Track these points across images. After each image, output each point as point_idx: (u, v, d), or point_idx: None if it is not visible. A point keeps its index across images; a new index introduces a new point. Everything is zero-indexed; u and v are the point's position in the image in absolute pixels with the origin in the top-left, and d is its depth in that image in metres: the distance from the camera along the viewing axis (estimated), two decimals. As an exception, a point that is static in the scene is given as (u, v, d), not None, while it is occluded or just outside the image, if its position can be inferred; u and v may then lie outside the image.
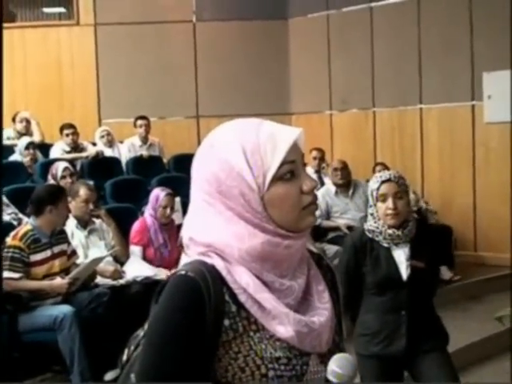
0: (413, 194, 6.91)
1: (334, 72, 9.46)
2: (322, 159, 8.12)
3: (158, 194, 5.65)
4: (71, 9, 9.77)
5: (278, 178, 1.32)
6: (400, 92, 8.91)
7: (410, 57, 8.75)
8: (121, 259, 5.50)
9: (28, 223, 4.81)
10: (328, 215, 6.84)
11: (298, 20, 9.84)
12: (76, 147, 7.79)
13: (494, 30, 7.96)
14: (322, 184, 7.31)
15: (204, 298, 1.29)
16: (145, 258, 5.52)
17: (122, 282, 5.14)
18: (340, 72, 9.38)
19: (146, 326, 1.43)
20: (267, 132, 1.34)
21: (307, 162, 7.52)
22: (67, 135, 7.73)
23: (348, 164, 7.08)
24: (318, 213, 5.88)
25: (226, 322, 1.31)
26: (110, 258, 5.35)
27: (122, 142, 8.57)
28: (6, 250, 4.51)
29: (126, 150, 8.39)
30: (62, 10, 10.00)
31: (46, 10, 9.99)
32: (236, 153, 1.33)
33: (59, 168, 6.36)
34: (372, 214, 3.28)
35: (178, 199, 5.97)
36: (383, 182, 3.22)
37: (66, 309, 4.50)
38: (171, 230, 5.71)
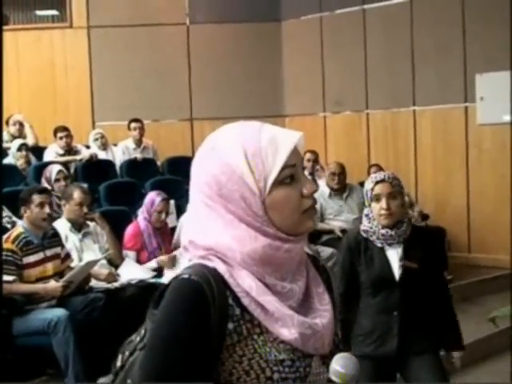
0: (406, 196, 6.90)
1: (328, 74, 9.48)
2: (315, 161, 8.13)
3: (153, 198, 5.65)
4: (64, 11, 9.76)
5: (279, 182, 1.33)
6: (393, 94, 8.93)
7: (403, 59, 8.77)
8: (115, 262, 5.49)
9: (20, 226, 4.81)
10: (322, 217, 6.85)
11: (292, 22, 9.86)
12: (70, 150, 7.77)
13: (486, 32, 7.99)
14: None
15: (208, 301, 1.29)
16: (139, 262, 5.52)
17: (116, 284, 5.13)
18: (333, 74, 9.40)
19: (141, 331, 1.42)
20: (268, 136, 1.34)
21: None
22: (61, 138, 7.72)
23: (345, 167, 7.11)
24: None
25: (230, 326, 1.31)
26: (104, 261, 5.33)
27: (115, 145, 8.55)
28: (-2, 253, 4.50)
29: (120, 153, 8.38)
30: (55, 12, 9.97)
31: (39, 12, 9.96)
32: (237, 156, 1.33)
33: (53, 171, 6.35)
34: (367, 215, 3.33)
35: (172, 202, 5.97)
36: (378, 182, 3.26)
37: (60, 312, 4.49)
38: (165, 233, 5.72)
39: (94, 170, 7.59)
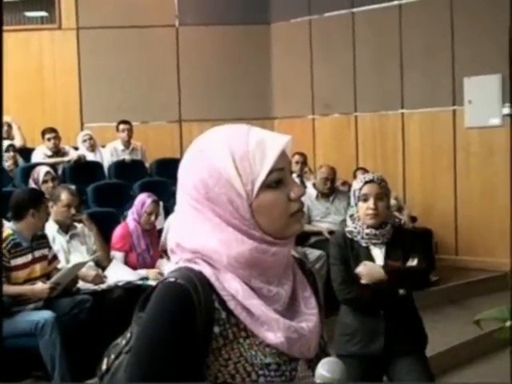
0: (394, 200, 6.93)
1: (317, 77, 9.49)
2: (304, 163, 8.15)
3: (144, 199, 5.64)
4: (53, 13, 9.73)
5: (266, 186, 1.32)
6: (382, 97, 8.96)
7: (392, 62, 8.80)
8: (103, 264, 5.47)
9: (8, 228, 4.79)
10: (309, 219, 6.86)
11: (281, 25, 9.86)
12: (58, 151, 7.75)
13: (475, 36, 8.04)
14: (304, 188, 7.33)
15: (194, 304, 1.29)
16: (127, 263, 5.51)
17: (103, 286, 5.11)
18: (322, 77, 9.42)
19: (127, 335, 1.42)
20: (256, 139, 1.34)
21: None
22: (49, 139, 7.70)
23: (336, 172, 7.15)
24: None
25: (216, 329, 1.30)
26: (91, 263, 5.31)
27: (104, 147, 8.53)
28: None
29: (109, 155, 8.36)
30: (44, 13, 9.93)
31: (28, 13, 9.92)
32: (225, 160, 1.32)
33: (41, 172, 6.33)
34: (351, 216, 3.37)
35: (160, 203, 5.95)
36: (366, 182, 3.32)
37: (47, 314, 4.47)
38: (153, 235, 5.71)
39: (82, 172, 7.57)
